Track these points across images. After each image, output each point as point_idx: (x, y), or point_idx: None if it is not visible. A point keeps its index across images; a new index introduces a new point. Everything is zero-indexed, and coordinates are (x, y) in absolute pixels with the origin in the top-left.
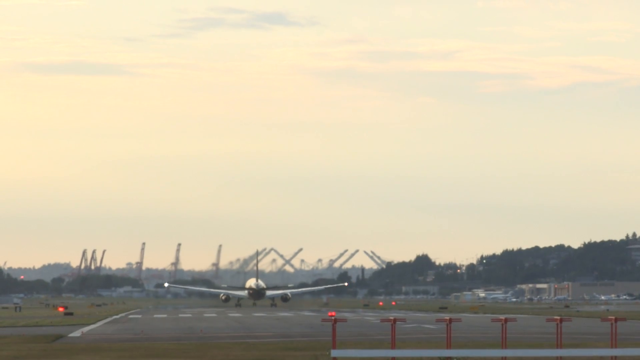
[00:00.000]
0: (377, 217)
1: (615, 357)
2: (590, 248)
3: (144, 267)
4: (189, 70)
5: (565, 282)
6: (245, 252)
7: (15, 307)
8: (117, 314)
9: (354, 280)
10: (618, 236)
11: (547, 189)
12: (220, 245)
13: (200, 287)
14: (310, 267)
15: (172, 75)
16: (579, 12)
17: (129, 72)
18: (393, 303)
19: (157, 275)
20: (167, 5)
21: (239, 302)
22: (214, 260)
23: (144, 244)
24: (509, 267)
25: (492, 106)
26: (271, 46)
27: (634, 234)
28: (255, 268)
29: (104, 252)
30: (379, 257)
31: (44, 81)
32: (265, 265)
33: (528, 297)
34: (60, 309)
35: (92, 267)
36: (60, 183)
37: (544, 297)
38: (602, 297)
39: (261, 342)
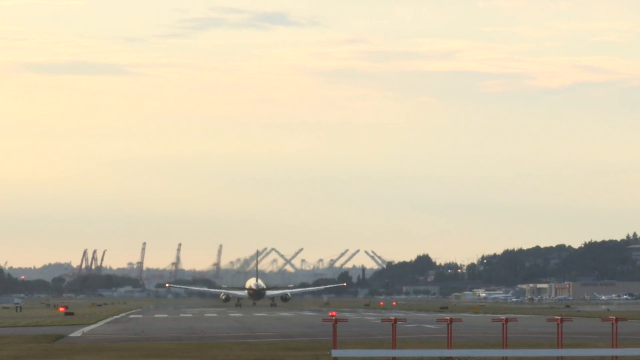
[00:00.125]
0: (377, 217)
1: (616, 357)
2: (591, 248)
3: (144, 267)
4: (189, 70)
5: (565, 282)
6: (246, 252)
7: (16, 307)
8: (117, 314)
9: (354, 280)
10: (619, 236)
11: (548, 188)
12: (220, 245)
13: (200, 287)
14: (311, 267)
15: (172, 75)
16: (579, 12)
17: (129, 72)
18: (394, 303)
19: (158, 275)
20: (168, 5)
21: (239, 302)
22: (214, 260)
23: (144, 243)
24: (510, 267)
25: (492, 106)
26: (272, 46)
27: (635, 234)
28: (255, 268)
29: (104, 252)
30: (379, 257)
31: (44, 81)
32: (265, 265)
33: (529, 297)
34: (61, 309)
35: (93, 267)
36: (61, 183)
37: (544, 297)
38: (603, 297)
39: (262, 342)
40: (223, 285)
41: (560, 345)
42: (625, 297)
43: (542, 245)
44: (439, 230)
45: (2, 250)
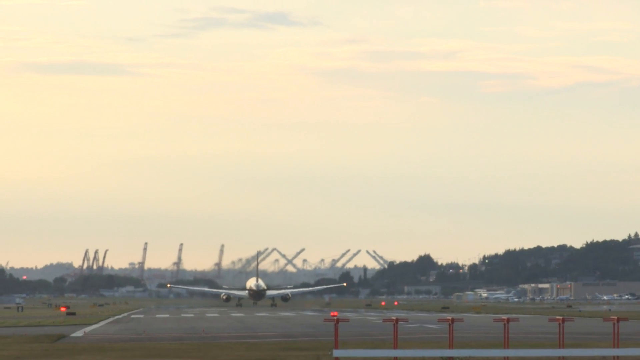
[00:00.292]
0: (379, 217)
1: (618, 357)
2: (593, 248)
3: (146, 267)
4: (190, 70)
5: (567, 282)
6: (248, 252)
7: (18, 307)
8: (119, 314)
9: (356, 280)
10: (620, 236)
11: (550, 188)
12: (222, 245)
13: (202, 287)
14: (313, 267)
15: (174, 75)
16: (581, 12)
17: (130, 72)
18: (395, 303)
19: (160, 275)
20: (169, 5)
21: (239, 302)
22: (216, 260)
23: (146, 243)
24: (511, 267)
25: (494, 106)
26: (273, 46)
27: (636, 234)
28: (256, 268)
29: (106, 252)
30: (381, 257)
31: (45, 81)
32: (267, 265)
33: (530, 297)
34: (63, 309)
35: (95, 267)
36: (62, 183)
37: (546, 297)
38: (604, 297)
39: (263, 342)
40: (224, 286)
41: (561, 345)
42: (626, 297)
43: (543, 245)
44: (441, 230)
45: (4, 250)
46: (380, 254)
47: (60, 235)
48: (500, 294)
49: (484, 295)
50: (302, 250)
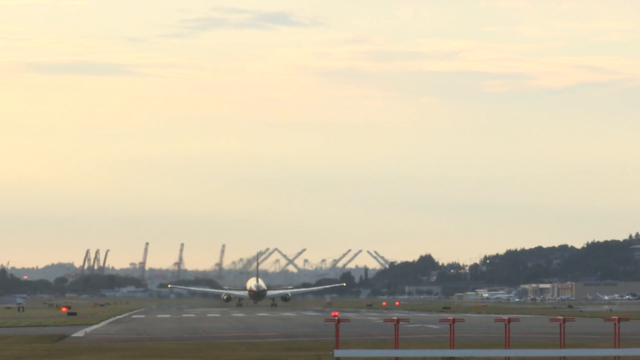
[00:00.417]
0: (380, 217)
1: (619, 357)
2: (594, 248)
3: (147, 267)
4: (191, 70)
5: (568, 282)
6: (249, 252)
7: (19, 307)
8: (120, 314)
9: (357, 280)
10: (621, 236)
11: (551, 188)
12: (223, 245)
13: (203, 287)
14: (314, 267)
15: (175, 75)
16: (582, 12)
17: (132, 72)
18: (397, 303)
19: (161, 275)
20: (170, 5)
21: (240, 302)
22: (217, 260)
23: (147, 243)
24: (512, 267)
25: (495, 106)
26: (274, 46)
27: (637, 234)
28: (256, 269)
29: (107, 252)
30: (382, 257)
31: (47, 81)
32: (268, 265)
33: (531, 297)
34: (64, 309)
35: (96, 267)
36: (63, 183)
37: (547, 297)
38: (605, 297)
39: (264, 342)
40: (225, 286)
41: (562, 345)
42: (627, 297)
43: (544, 246)
44: (442, 230)
45: (5, 250)
46: (382, 254)
47: (61, 236)
48: (501, 294)
49: (485, 295)
50: (303, 250)
